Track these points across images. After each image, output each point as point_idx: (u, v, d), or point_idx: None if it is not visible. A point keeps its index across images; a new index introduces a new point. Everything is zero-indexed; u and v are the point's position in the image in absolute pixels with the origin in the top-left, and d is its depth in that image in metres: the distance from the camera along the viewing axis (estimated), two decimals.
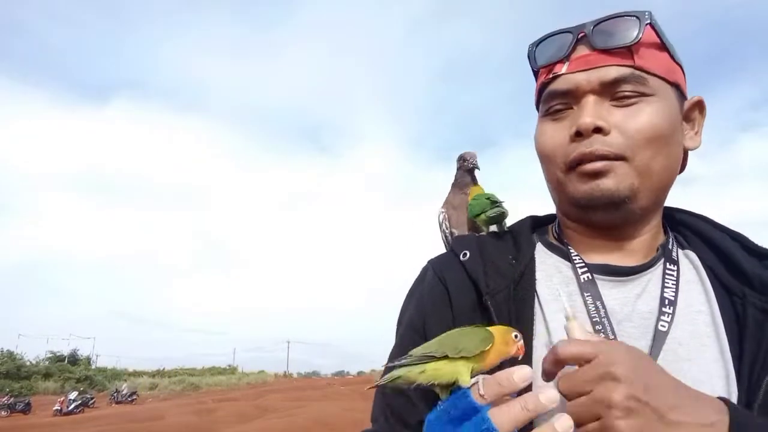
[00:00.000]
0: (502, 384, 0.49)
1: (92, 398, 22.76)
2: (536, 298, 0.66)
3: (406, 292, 0.79)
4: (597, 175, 0.63)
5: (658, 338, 0.60)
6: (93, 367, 42.21)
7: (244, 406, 16.77)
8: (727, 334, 0.60)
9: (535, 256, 0.71)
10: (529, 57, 0.73)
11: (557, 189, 0.69)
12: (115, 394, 25.05)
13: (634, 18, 0.65)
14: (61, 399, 20.46)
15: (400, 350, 0.67)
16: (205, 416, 14.69)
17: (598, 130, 0.63)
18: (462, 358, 0.51)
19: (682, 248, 0.71)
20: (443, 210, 1.08)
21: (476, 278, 0.68)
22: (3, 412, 19.56)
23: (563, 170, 0.67)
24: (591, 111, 0.63)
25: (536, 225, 0.79)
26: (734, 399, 0.56)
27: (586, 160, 0.63)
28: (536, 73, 0.74)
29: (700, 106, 0.71)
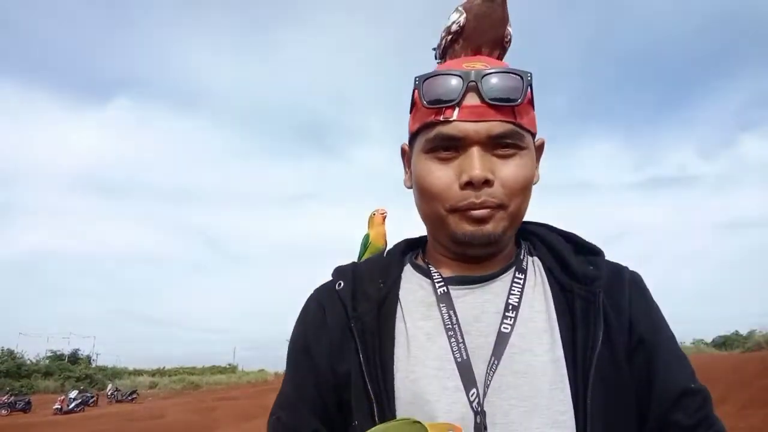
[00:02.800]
0: None
1: (92, 397, 22.80)
2: (400, 313, 0.76)
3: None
4: (481, 221, 0.72)
5: (501, 338, 0.71)
6: (93, 365, 42.25)
7: (244, 404, 16.79)
8: (561, 326, 0.72)
9: (403, 276, 0.82)
10: (416, 89, 0.76)
11: (436, 223, 0.77)
12: (116, 393, 25.10)
13: (519, 78, 0.72)
14: (62, 398, 20.50)
15: (290, 370, 0.80)
16: (205, 415, 14.71)
17: (486, 182, 0.71)
18: None
19: (531, 255, 0.82)
20: (461, 13, 0.88)
21: (345, 305, 0.77)
22: (3, 411, 19.59)
23: (447, 210, 0.74)
24: (480, 164, 0.71)
25: (410, 247, 0.88)
26: (565, 381, 0.68)
27: (474, 207, 0.72)
28: (414, 101, 0.79)
29: (543, 148, 0.82)
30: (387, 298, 0.78)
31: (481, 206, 0.71)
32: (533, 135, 0.78)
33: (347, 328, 0.76)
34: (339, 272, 0.84)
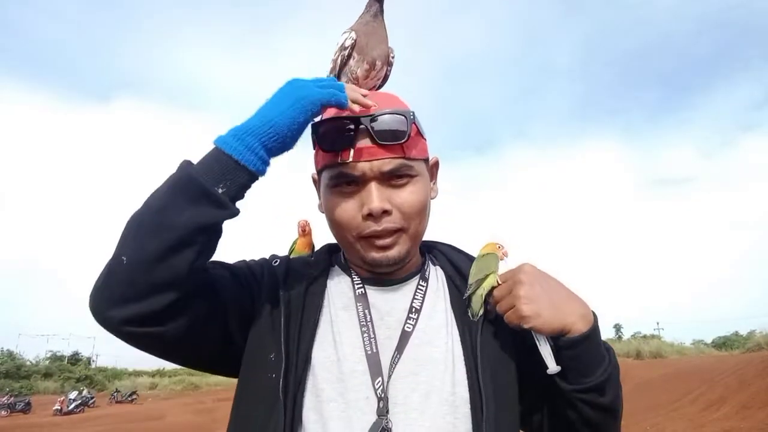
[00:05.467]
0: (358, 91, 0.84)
1: (92, 398, 22.76)
2: (326, 298, 0.88)
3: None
4: (385, 248, 0.84)
5: (404, 336, 0.83)
6: (93, 366, 42.19)
7: None
8: (458, 323, 0.87)
9: (330, 269, 0.94)
10: (314, 133, 0.84)
11: (347, 248, 0.89)
12: (116, 394, 25.08)
13: (403, 117, 0.82)
14: (61, 399, 20.47)
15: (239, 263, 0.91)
16: (205, 416, 14.71)
17: (384, 211, 0.81)
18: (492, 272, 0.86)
19: (434, 265, 0.97)
20: (350, 32, 0.96)
21: (278, 277, 0.87)
22: (3, 412, 19.54)
23: (354, 237, 0.85)
24: (377, 196, 0.81)
25: (333, 249, 0.98)
26: (459, 366, 0.82)
27: (377, 235, 0.83)
28: (315, 140, 0.86)
29: (437, 165, 0.94)
30: (315, 282, 0.88)
31: (383, 233, 0.83)
32: (426, 160, 0.89)
33: (276, 295, 0.85)
34: (274, 256, 0.95)
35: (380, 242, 0.84)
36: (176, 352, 0.80)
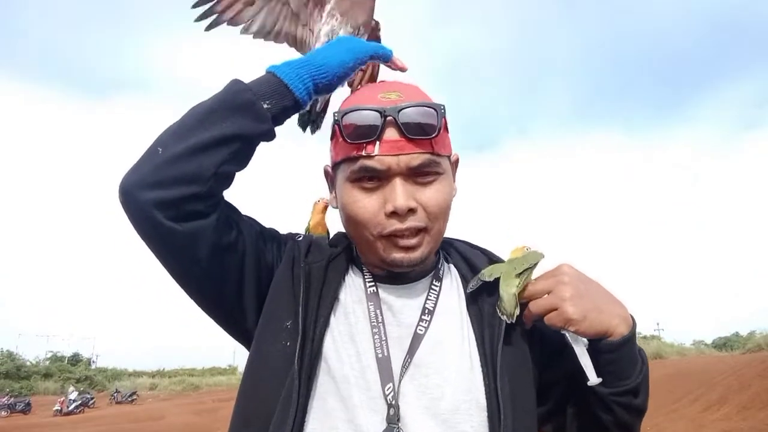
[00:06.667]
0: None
1: (92, 398, 22.76)
2: (346, 279, 0.85)
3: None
4: (410, 248, 0.79)
5: (416, 338, 0.79)
6: (93, 367, 42.17)
7: None
8: (473, 325, 0.81)
9: (349, 255, 0.88)
10: (336, 124, 0.80)
11: (365, 247, 0.83)
12: (116, 394, 25.08)
13: (434, 111, 0.78)
14: (61, 399, 20.47)
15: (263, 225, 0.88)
16: (205, 416, 14.70)
17: (410, 210, 0.77)
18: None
19: (447, 263, 0.91)
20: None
21: (300, 250, 0.85)
22: (3, 412, 19.55)
23: (375, 236, 0.79)
24: (403, 193, 0.76)
25: (347, 239, 0.92)
26: (476, 371, 0.77)
27: (400, 234, 0.78)
28: (335, 132, 0.82)
29: (457, 162, 0.88)
30: (336, 259, 0.85)
31: (406, 232, 0.78)
32: (449, 156, 0.84)
33: (298, 268, 0.82)
34: (298, 234, 0.92)
35: (404, 242, 0.78)
36: (184, 260, 0.76)
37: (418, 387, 0.75)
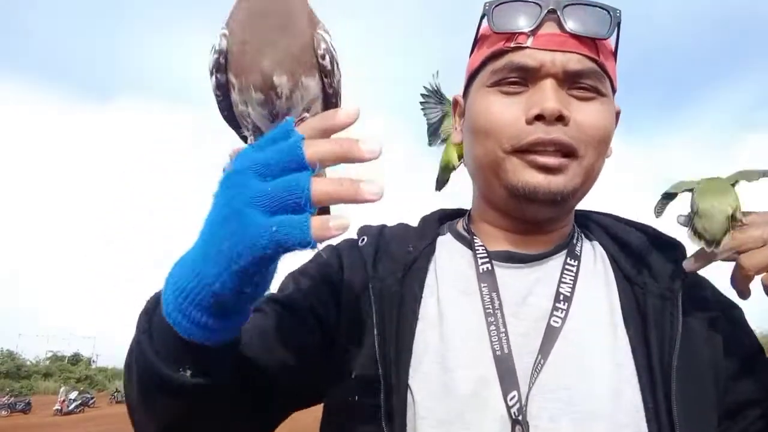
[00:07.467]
0: (325, 118, 0.43)
1: (92, 398, 22.78)
2: (432, 283, 0.65)
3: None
4: (550, 170, 0.61)
5: (549, 333, 0.60)
6: (93, 366, 42.18)
7: None
8: (628, 324, 0.61)
9: (438, 243, 0.70)
10: (485, 16, 0.66)
11: (491, 169, 0.64)
12: (116, 394, 25.09)
13: (607, 12, 0.62)
14: (62, 399, 20.48)
15: (305, 271, 0.69)
16: None
17: (560, 118, 0.60)
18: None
19: (589, 240, 0.71)
20: (224, 28, 0.54)
21: (366, 261, 0.66)
22: (3, 412, 19.54)
23: (507, 151, 0.62)
24: (554, 96, 0.60)
25: (445, 218, 0.77)
26: (631, 387, 0.57)
27: (542, 148, 0.60)
28: (478, 39, 0.69)
29: (619, 116, 0.70)
30: (416, 263, 0.66)
31: (550, 147, 0.60)
32: (613, 89, 0.66)
33: (365, 287, 0.64)
34: (363, 229, 0.72)
35: (544, 159, 0.60)
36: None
37: (554, 398, 0.56)
